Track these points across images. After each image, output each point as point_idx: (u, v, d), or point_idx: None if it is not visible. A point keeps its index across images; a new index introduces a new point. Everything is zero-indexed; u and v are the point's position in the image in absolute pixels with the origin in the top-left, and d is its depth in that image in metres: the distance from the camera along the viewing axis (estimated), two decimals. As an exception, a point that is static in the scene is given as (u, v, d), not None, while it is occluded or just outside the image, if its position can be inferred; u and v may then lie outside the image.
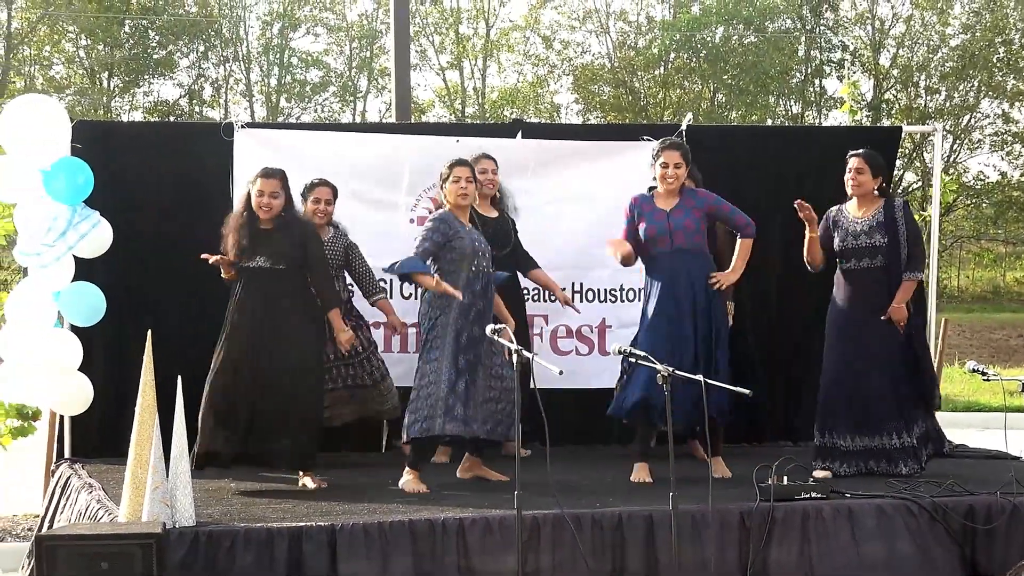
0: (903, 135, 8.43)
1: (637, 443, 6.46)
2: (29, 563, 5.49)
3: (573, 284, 7.56)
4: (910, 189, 27.67)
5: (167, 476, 5.00)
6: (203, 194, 7.07)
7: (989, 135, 29.58)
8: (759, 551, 5.44)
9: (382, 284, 7.02)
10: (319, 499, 5.80)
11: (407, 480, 6.08)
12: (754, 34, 28.76)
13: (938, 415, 6.73)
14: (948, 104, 29.04)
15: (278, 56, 29.75)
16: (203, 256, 6.11)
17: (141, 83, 29.10)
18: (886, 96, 29.28)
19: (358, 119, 28.94)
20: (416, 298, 6.78)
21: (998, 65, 28.52)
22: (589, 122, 29.11)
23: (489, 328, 5.53)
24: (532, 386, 5.19)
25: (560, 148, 7.70)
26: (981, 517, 5.71)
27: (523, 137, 7.68)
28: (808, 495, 5.66)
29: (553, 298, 7.07)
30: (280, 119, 28.11)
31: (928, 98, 29.28)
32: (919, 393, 6.51)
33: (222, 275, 6.17)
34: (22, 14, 27.84)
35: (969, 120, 29.22)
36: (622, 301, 7.58)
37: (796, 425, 7.73)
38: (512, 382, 5.98)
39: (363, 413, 6.92)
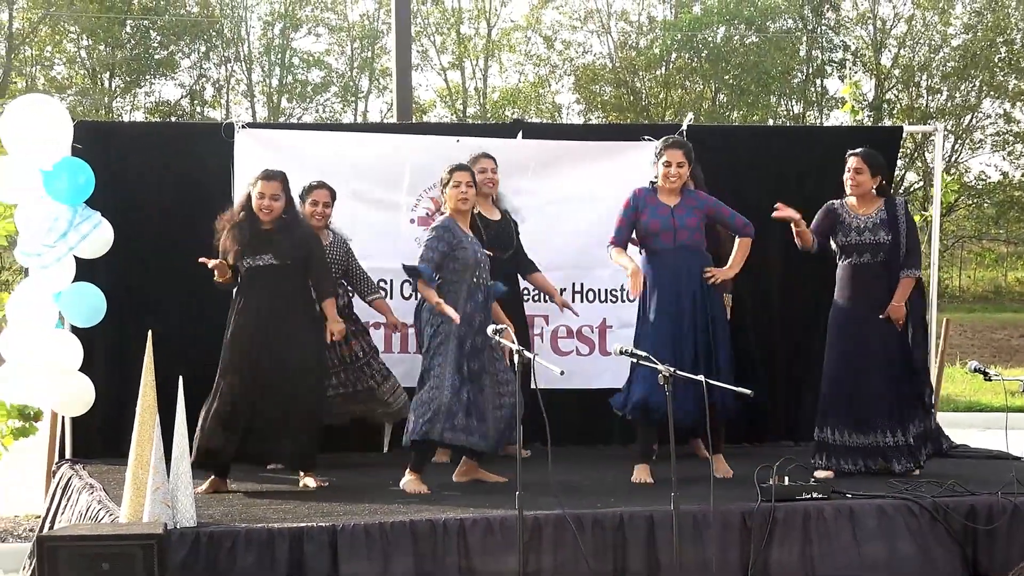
0: (904, 135, 8.44)
1: (638, 444, 6.47)
2: (30, 564, 5.50)
3: (574, 284, 7.56)
4: (911, 189, 27.64)
5: (168, 477, 5.01)
6: (204, 194, 7.05)
7: (990, 135, 29.56)
8: (760, 551, 5.44)
9: (381, 284, 7.01)
10: (320, 499, 5.79)
11: (408, 481, 6.08)
12: (755, 34, 28.72)
13: (939, 415, 6.73)
14: (949, 104, 29.00)
15: (279, 56, 29.72)
16: (201, 260, 6.10)
17: (142, 83, 29.10)
18: (887, 96, 29.25)
19: (359, 119, 28.86)
20: (416, 298, 6.77)
21: (999, 65, 28.49)
22: (590, 122, 29.10)
23: (490, 328, 5.53)
24: (533, 386, 5.19)
25: (561, 148, 7.69)
26: (982, 517, 5.71)
27: (524, 137, 7.68)
28: (809, 495, 5.66)
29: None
30: (281, 119, 28.07)
31: (929, 98, 29.23)
32: (917, 392, 6.52)
33: (216, 279, 6.15)
34: (23, 14, 27.80)
35: (970, 120, 29.18)
36: (623, 301, 7.56)
37: (797, 425, 7.73)
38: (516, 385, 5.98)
39: (368, 414, 6.94)
